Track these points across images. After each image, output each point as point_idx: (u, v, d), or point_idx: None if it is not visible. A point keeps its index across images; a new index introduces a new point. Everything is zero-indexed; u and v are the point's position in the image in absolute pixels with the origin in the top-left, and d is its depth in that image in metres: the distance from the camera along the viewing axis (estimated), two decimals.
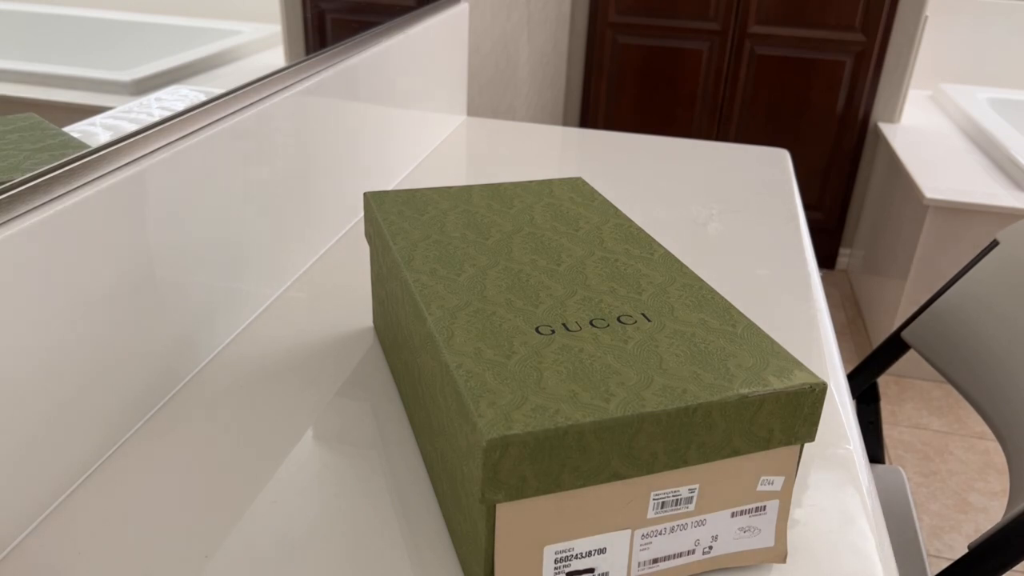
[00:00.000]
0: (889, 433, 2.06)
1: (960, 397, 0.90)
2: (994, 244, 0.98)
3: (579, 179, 0.76)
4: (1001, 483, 1.90)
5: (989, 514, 1.81)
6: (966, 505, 1.83)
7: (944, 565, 0.81)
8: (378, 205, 0.69)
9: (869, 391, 1.12)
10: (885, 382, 2.26)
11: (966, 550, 0.78)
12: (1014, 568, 0.77)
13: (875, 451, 1.08)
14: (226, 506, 0.55)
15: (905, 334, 1.06)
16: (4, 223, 0.50)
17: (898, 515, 0.96)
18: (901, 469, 1.04)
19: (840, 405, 0.70)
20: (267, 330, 0.76)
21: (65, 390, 0.55)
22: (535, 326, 0.51)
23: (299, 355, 0.72)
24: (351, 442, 0.62)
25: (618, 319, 0.53)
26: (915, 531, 0.94)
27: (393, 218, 0.66)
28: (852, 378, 1.10)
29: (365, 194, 0.71)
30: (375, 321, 0.76)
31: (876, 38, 2.42)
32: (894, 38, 2.44)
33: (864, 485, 0.61)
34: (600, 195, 0.73)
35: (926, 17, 2.40)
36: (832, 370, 0.74)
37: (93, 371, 0.57)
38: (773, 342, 0.51)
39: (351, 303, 0.81)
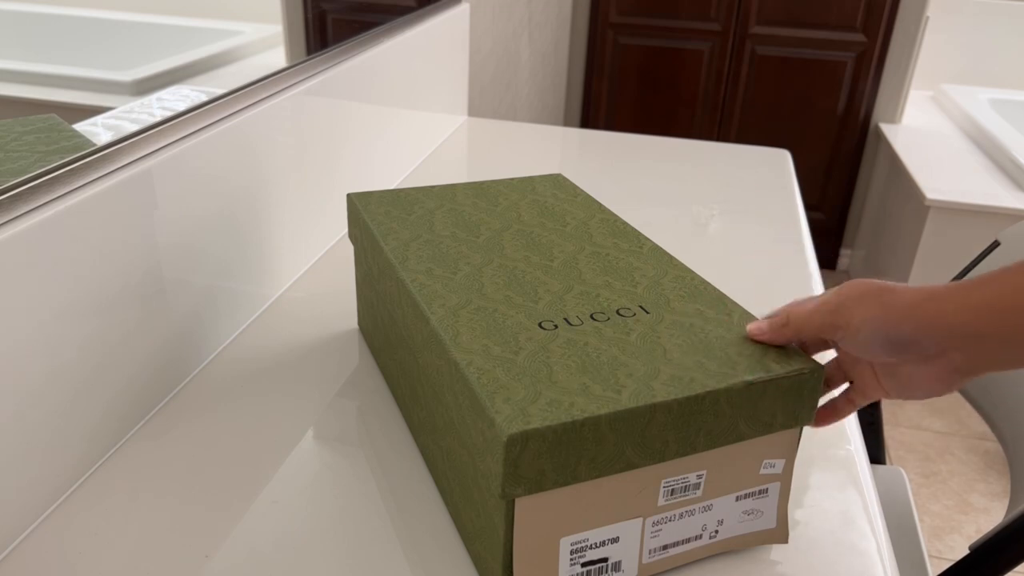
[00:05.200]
0: (890, 434, 2.06)
1: (961, 398, 0.90)
2: (995, 244, 0.98)
3: (559, 175, 0.77)
4: (1002, 484, 1.90)
5: (990, 515, 1.81)
6: (967, 506, 1.83)
7: (945, 566, 0.80)
8: (363, 206, 0.69)
9: None
10: None
11: (967, 551, 0.78)
12: (1015, 569, 0.77)
13: (876, 452, 1.07)
14: (226, 506, 0.55)
15: None
16: (5, 223, 0.50)
17: (899, 516, 0.95)
18: (902, 470, 1.03)
19: None
20: (268, 330, 0.76)
21: (66, 389, 0.55)
22: (538, 321, 0.52)
23: (300, 355, 0.72)
24: (352, 442, 0.62)
25: (617, 312, 0.53)
26: (916, 532, 0.94)
27: (381, 218, 0.66)
28: None
29: (349, 195, 0.71)
30: (361, 322, 0.76)
31: (877, 38, 2.42)
32: (895, 38, 2.43)
33: (865, 486, 0.61)
34: (582, 190, 0.73)
35: (927, 17, 2.39)
36: None
37: (93, 371, 0.57)
38: None
39: (352, 303, 0.81)
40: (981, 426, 2.09)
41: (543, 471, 0.44)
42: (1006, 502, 1.94)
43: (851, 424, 0.67)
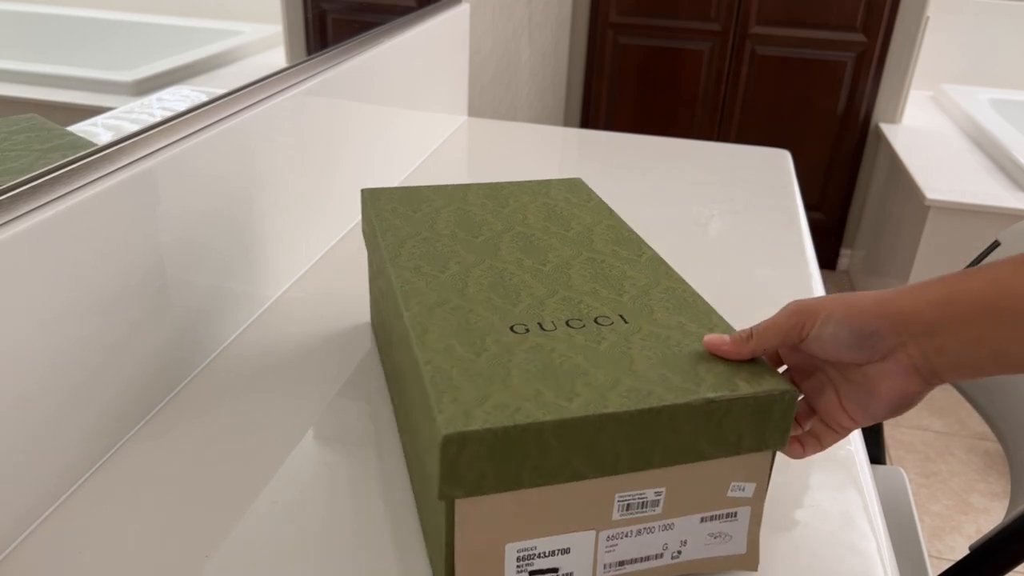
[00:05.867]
0: (890, 434, 2.06)
1: (961, 398, 0.90)
2: (995, 244, 0.98)
3: (578, 180, 0.76)
4: (1002, 484, 1.90)
5: (990, 515, 1.81)
6: (967, 506, 1.83)
7: (945, 566, 0.80)
8: (373, 202, 0.69)
9: None
10: None
11: (967, 551, 0.78)
12: (1015, 569, 0.77)
13: (876, 452, 1.07)
14: (226, 506, 0.55)
15: None
16: (6, 223, 0.50)
17: (899, 516, 0.95)
18: (902, 470, 1.03)
19: None
20: (268, 330, 0.76)
21: (66, 389, 0.55)
22: (510, 324, 0.51)
23: (300, 355, 0.72)
24: (352, 442, 0.62)
25: (595, 320, 0.52)
26: (916, 532, 0.94)
27: (386, 215, 0.66)
28: None
29: (362, 191, 0.71)
30: (372, 319, 0.76)
31: (877, 38, 2.42)
32: (895, 38, 2.43)
33: (865, 486, 0.61)
34: (597, 196, 0.72)
35: (927, 17, 2.39)
36: None
37: (93, 371, 0.57)
38: None
39: (352, 303, 0.81)
40: (981, 426, 2.09)
41: (483, 474, 0.43)
42: (1006, 502, 1.94)
43: None
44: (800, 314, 0.47)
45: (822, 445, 0.51)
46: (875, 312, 0.45)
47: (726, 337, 0.49)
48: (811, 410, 0.51)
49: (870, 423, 0.49)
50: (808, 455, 0.51)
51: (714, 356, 0.49)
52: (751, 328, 0.49)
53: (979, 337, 0.42)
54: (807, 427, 0.51)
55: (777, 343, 0.48)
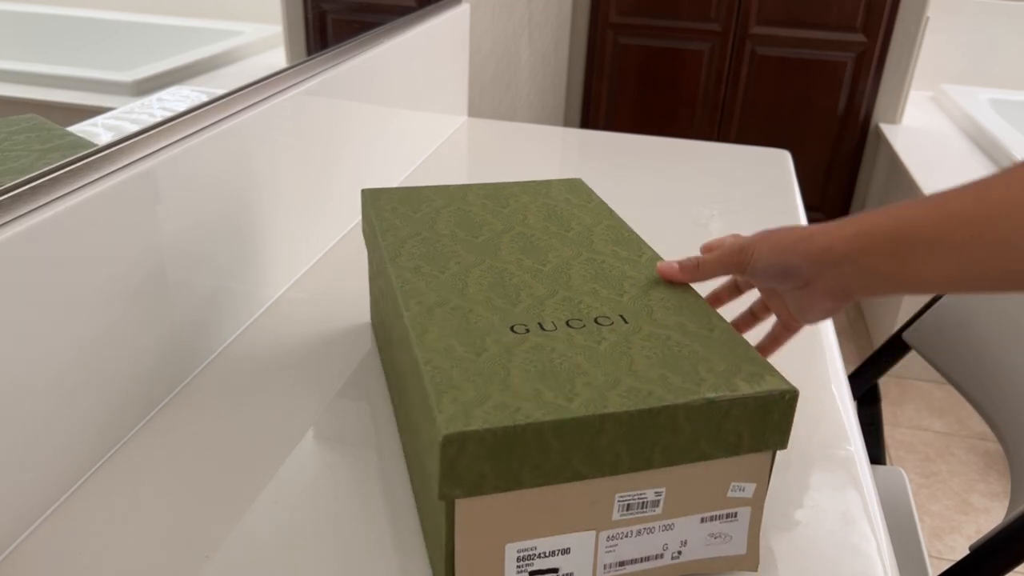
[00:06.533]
0: (890, 434, 2.06)
1: (961, 398, 0.90)
2: None
3: (578, 180, 0.76)
4: (1002, 484, 1.90)
5: (990, 515, 1.81)
6: (967, 506, 1.83)
7: (945, 566, 0.80)
8: (373, 202, 0.69)
9: (870, 392, 1.12)
10: (886, 383, 2.26)
11: (967, 551, 0.78)
12: (1015, 569, 0.77)
13: (876, 452, 1.07)
14: (226, 506, 0.55)
15: (906, 335, 1.06)
16: (7, 223, 0.50)
17: (899, 516, 0.95)
18: (902, 470, 1.03)
19: (841, 406, 0.70)
20: (268, 331, 0.76)
21: (67, 389, 0.55)
22: (510, 325, 0.51)
23: (300, 355, 0.72)
24: (352, 442, 0.62)
25: (595, 320, 0.52)
26: (916, 532, 0.94)
27: (386, 215, 0.66)
28: (853, 379, 1.10)
29: (363, 191, 0.71)
30: (372, 318, 0.76)
31: (877, 39, 2.42)
32: (895, 39, 2.43)
33: (865, 486, 0.61)
34: (597, 196, 0.72)
35: (927, 18, 2.39)
36: (833, 371, 0.74)
37: (94, 371, 0.57)
38: (748, 347, 0.51)
39: (352, 303, 0.81)
40: (981, 426, 2.09)
41: (483, 474, 0.43)
42: (1006, 502, 1.94)
43: (851, 424, 0.67)
44: (741, 252, 0.56)
45: (791, 332, 0.64)
46: (797, 251, 0.53)
47: (675, 264, 0.58)
48: (765, 308, 0.64)
49: (812, 324, 0.60)
50: (783, 342, 0.64)
51: (714, 356, 0.49)
52: (697, 258, 0.58)
53: (876, 264, 0.50)
54: (763, 318, 0.65)
55: (720, 273, 0.58)
